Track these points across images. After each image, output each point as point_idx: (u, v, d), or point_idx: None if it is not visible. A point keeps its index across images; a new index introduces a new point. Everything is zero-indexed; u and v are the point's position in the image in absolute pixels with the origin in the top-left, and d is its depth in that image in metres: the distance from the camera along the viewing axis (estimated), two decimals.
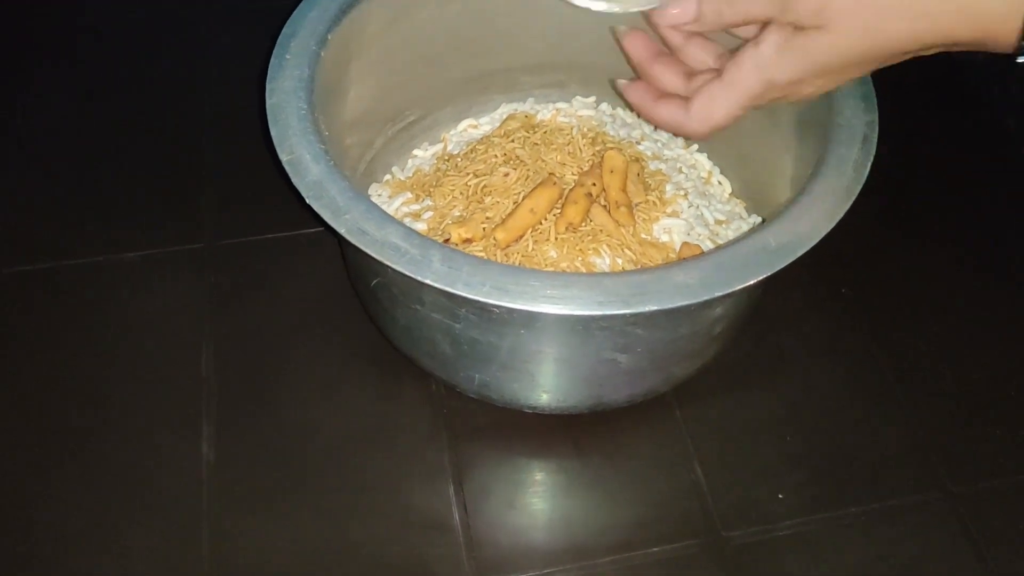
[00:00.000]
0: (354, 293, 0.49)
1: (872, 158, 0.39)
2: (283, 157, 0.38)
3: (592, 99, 0.54)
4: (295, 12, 0.44)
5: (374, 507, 0.43)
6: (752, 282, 0.34)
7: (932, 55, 0.34)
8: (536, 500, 0.44)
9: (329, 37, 0.43)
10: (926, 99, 0.62)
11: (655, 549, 0.42)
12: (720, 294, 0.34)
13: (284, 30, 0.43)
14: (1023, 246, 0.54)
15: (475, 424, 0.46)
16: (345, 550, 0.42)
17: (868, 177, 0.38)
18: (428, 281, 0.34)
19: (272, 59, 0.42)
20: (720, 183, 0.51)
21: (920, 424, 0.46)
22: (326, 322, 0.49)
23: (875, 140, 0.39)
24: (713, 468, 0.45)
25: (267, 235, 0.53)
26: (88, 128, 0.58)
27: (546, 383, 0.41)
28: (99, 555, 0.41)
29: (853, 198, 0.37)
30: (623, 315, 0.34)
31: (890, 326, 0.50)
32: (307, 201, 0.36)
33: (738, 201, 0.50)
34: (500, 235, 0.43)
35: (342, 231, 0.35)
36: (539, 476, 0.45)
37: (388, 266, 0.35)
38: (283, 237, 0.53)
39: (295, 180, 0.37)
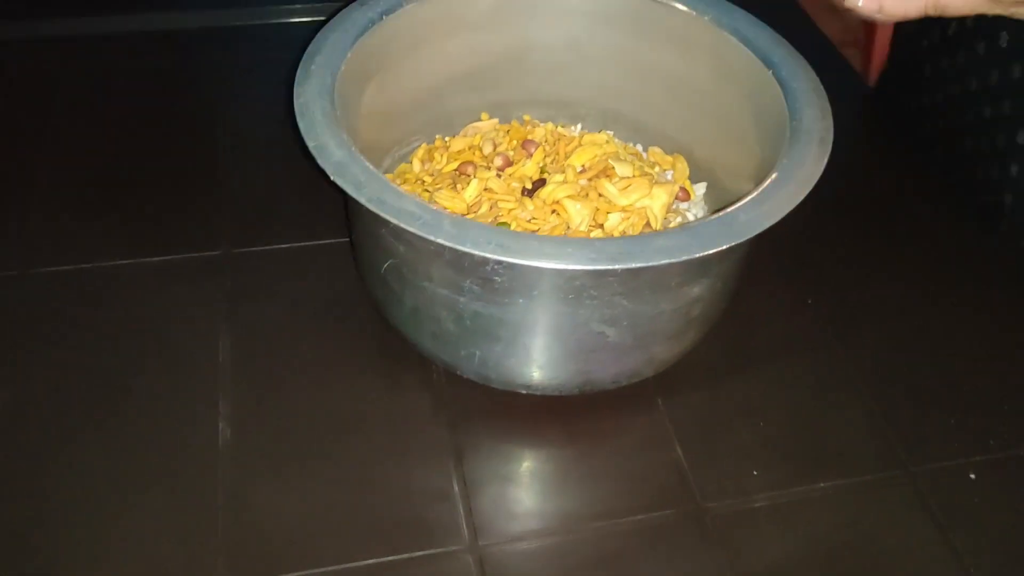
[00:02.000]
0: (361, 293, 0.53)
1: (828, 155, 0.44)
2: (310, 144, 0.43)
3: (579, 126, 0.59)
4: (318, 34, 0.50)
5: (378, 478, 0.46)
6: (723, 247, 0.39)
7: None
8: (529, 474, 0.48)
9: (348, 55, 0.49)
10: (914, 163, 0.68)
11: (639, 516, 0.46)
12: (697, 255, 0.39)
13: (309, 48, 0.49)
14: (964, 265, 0.60)
15: (473, 407, 0.49)
16: (350, 514, 0.45)
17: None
18: (440, 240, 0.38)
19: (299, 68, 0.47)
20: (693, 189, 0.56)
21: (880, 412, 0.51)
22: (334, 319, 0.53)
23: (830, 141, 0.45)
24: (692, 449, 0.48)
25: (279, 245, 0.58)
26: (119, 149, 0.63)
27: (539, 358, 0.45)
28: (122, 514, 0.44)
29: (811, 186, 0.43)
30: (612, 274, 0.39)
31: (850, 329, 0.55)
32: (332, 178, 0.41)
33: (704, 206, 0.56)
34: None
35: (363, 200, 0.40)
36: (532, 453, 0.48)
37: (403, 232, 0.39)
38: (294, 247, 0.58)
39: (321, 162, 0.42)
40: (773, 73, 0.49)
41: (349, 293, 0.54)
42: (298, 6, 0.78)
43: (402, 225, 0.39)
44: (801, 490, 0.47)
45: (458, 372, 0.49)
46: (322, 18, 0.51)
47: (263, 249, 0.57)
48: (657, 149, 0.58)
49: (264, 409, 0.49)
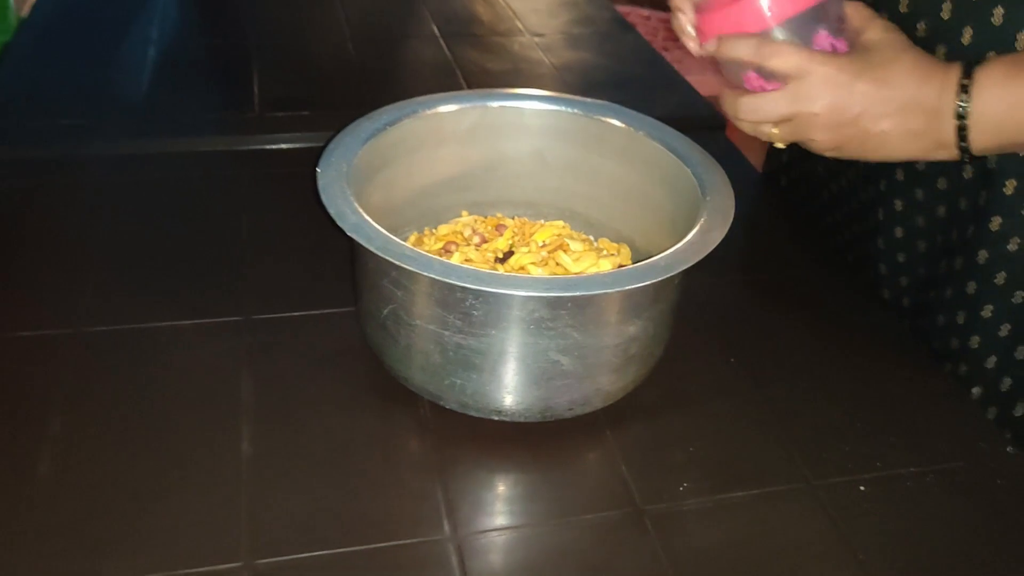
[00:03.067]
0: (359, 348, 0.64)
1: (729, 224, 0.57)
2: (331, 211, 0.55)
3: (541, 221, 0.73)
4: (335, 137, 0.63)
5: (373, 484, 0.56)
6: (648, 283, 0.52)
7: None
8: (500, 483, 0.58)
9: (359, 152, 0.62)
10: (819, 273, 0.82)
11: (590, 515, 0.56)
12: (627, 287, 0.51)
13: (328, 146, 0.62)
14: (853, 323, 0.72)
15: (454, 432, 0.60)
16: (349, 511, 0.54)
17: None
18: (431, 275, 0.50)
19: (320, 159, 0.60)
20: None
21: (789, 440, 0.61)
22: (336, 366, 0.64)
23: (731, 215, 0.58)
24: (634, 466, 0.59)
25: (290, 313, 0.69)
26: (158, 239, 0.76)
27: (509, 383, 0.56)
28: (167, 510, 0.53)
29: (716, 244, 0.55)
30: (563, 304, 0.51)
31: (764, 379, 0.66)
32: (348, 234, 0.54)
33: None
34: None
35: (374, 249, 0.52)
36: (503, 467, 0.59)
37: (402, 276, 0.51)
38: (302, 315, 0.69)
39: (340, 223, 0.54)
40: (691, 171, 0.63)
41: (349, 348, 0.66)
42: (298, 134, 0.92)
43: (404, 266, 0.51)
44: (722, 497, 0.57)
45: (441, 403, 0.60)
46: (317, 144, 0.64)
47: (277, 316, 0.69)
48: (605, 239, 0.72)
49: (278, 434, 0.59)
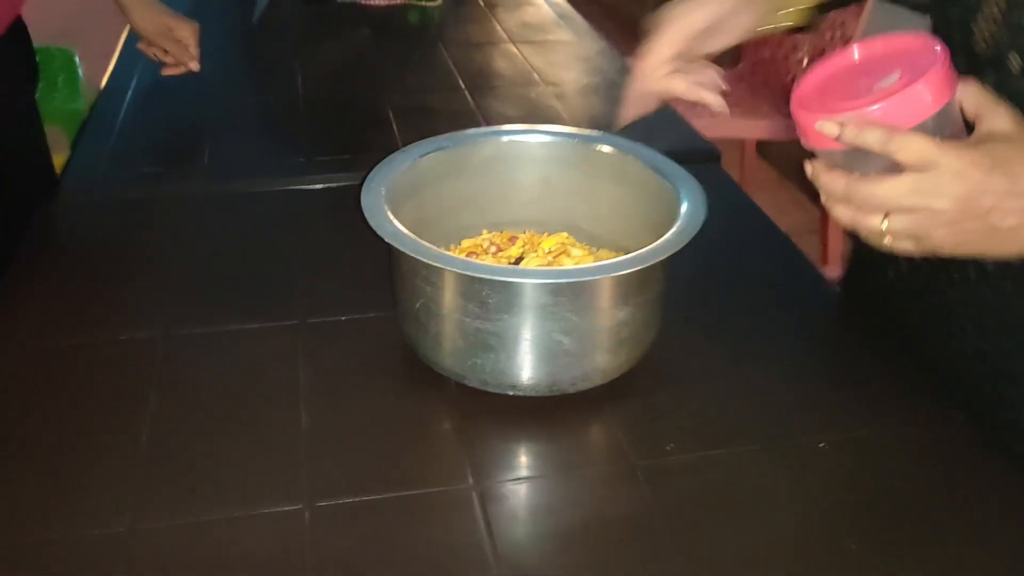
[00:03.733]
0: (396, 344, 0.76)
1: (700, 226, 0.69)
2: (373, 223, 0.68)
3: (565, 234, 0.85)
4: (375, 168, 0.76)
5: (410, 448, 0.68)
6: (631, 271, 0.63)
7: None
8: (515, 445, 0.69)
9: (395, 179, 0.75)
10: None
11: (590, 469, 0.67)
12: (615, 274, 0.63)
13: (368, 175, 0.75)
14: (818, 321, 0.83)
15: (477, 406, 0.71)
16: (390, 468, 0.66)
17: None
18: (454, 270, 0.63)
19: (363, 185, 0.73)
20: None
21: (762, 410, 0.72)
22: (378, 358, 0.77)
23: (702, 219, 0.70)
24: (629, 431, 0.70)
25: (338, 317, 0.82)
26: (226, 262, 0.89)
27: (520, 362, 0.68)
28: (236, 467, 0.65)
29: (687, 240, 0.67)
30: (562, 291, 0.63)
31: (744, 362, 0.77)
32: (386, 240, 0.66)
33: None
34: None
35: (408, 251, 0.65)
36: (517, 432, 0.70)
37: (431, 273, 0.63)
38: (348, 319, 0.82)
39: (379, 232, 0.67)
40: (671, 184, 0.75)
41: (388, 344, 0.78)
42: (339, 174, 1.05)
43: (433, 263, 0.63)
44: (701, 455, 0.68)
45: (465, 382, 0.71)
46: (355, 183, 0.76)
47: (326, 319, 0.81)
48: (604, 250, 0.83)
49: (330, 410, 0.71)
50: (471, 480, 0.65)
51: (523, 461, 0.68)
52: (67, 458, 0.66)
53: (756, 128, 2.12)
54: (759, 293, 0.87)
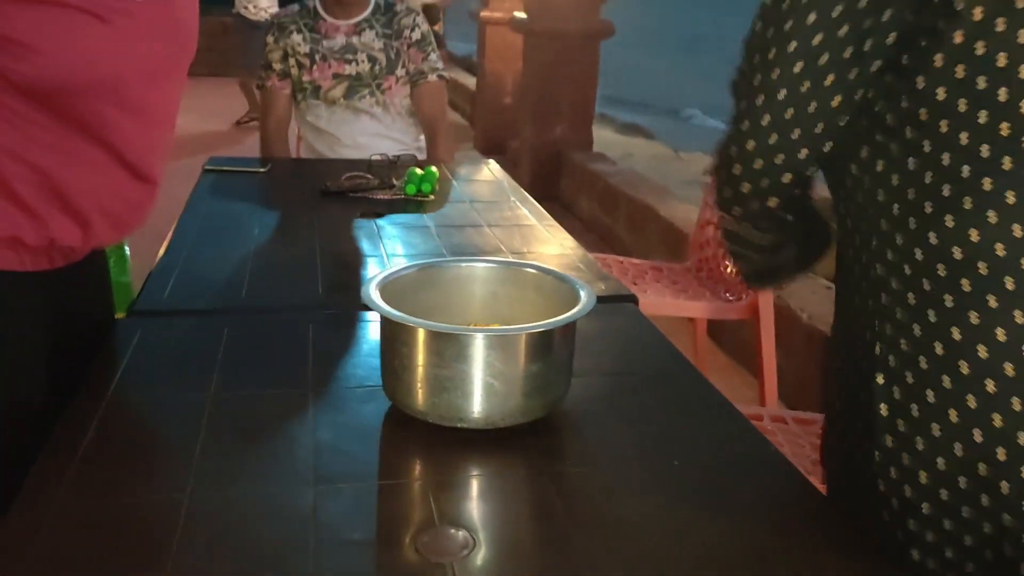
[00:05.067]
0: (380, 400, 1.08)
1: (587, 312, 1.03)
2: (371, 305, 1.02)
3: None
4: (373, 277, 1.11)
5: (386, 457, 0.98)
6: (534, 331, 0.96)
7: None
8: (461, 458, 0.99)
9: (385, 286, 1.10)
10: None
11: (513, 470, 0.96)
12: (524, 333, 0.96)
13: (367, 282, 1.09)
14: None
15: (434, 436, 1.02)
16: (369, 464, 0.96)
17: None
18: (421, 328, 0.96)
19: (363, 287, 1.07)
20: None
21: (639, 443, 1.03)
22: (366, 407, 1.08)
23: (591, 307, 1.04)
24: (544, 451, 1.00)
25: (342, 385, 1.13)
26: (260, 355, 1.22)
27: (469, 396, 0.99)
28: (274, 456, 0.95)
29: (579, 317, 1.00)
30: (491, 341, 0.96)
31: (632, 419, 1.08)
32: (381, 314, 1.00)
33: None
34: None
35: (394, 319, 0.98)
36: (463, 451, 1.00)
37: (406, 333, 0.97)
38: (344, 387, 1.13)
39: (375, 309, 1.01)
40: (573, 288, 1.09)
41: (374, 401, 1.09)
42: (348, 306, 1.40)
43: (407, 322, 0.97)
44: (598, 477, 0.98)
45: (426, 419, 1.02)
46: (359, 310, 1.12)
47: (330, 387, 1.13)
48: None
49: (335, 435, 1.01)
50: (424, 476, 0.95)
51: (465, 466, 0.98)
52: None
53: (700, 308, 2.49)
54: (655, 391, 1.20)
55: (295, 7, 2.54)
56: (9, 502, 0.86)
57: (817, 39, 0.77)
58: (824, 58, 0.78)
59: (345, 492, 0.91)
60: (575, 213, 4.88)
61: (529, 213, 2.00)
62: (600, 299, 1.13)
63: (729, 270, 2.60)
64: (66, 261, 1.15)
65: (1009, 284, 0.74)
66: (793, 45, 0.78)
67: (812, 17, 0.77)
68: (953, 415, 0.77)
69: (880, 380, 0.81)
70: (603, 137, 6.24)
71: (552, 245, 1.79)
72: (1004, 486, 0.75)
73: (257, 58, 2.74)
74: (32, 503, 0.87)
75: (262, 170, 2.28)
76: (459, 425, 1.01)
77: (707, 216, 2.72)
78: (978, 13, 0.73)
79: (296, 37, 2.48)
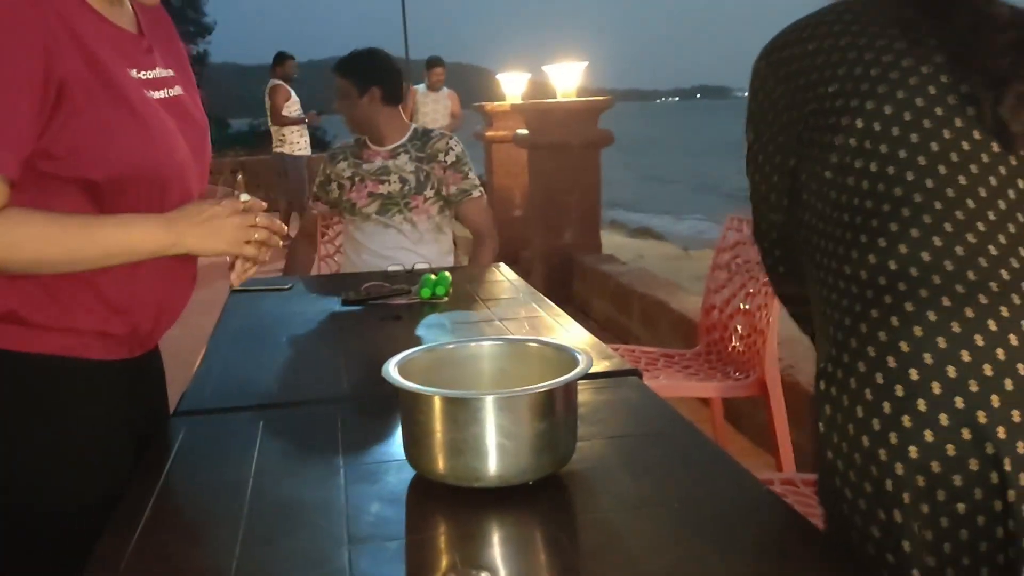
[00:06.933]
0: (402, 466, 1.18)
1: (583, 374, 1.14)
2: (390, 380, 1.14)
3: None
4: (392, 359, 1.23)
5: (412, 517, 1.08)
6: (540, 391, 1.08)
7: None
8: (477, 513, 1.09)
9: (404, 364, 1.22)
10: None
11: (526, 520, 1.06)
12: (528, 394, 1.08)
13: (389, 362, 1.22)
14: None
15: (455, 500, 1.12)
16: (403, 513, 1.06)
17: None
18: (436, 396, 1.08)
19: (384, 367, 1.20)
20: None
21: (654, 505, 1.12)
22: (397, 480, 1.18)
23: (586, 370, 1.15)
24: (553, 505, 1.10)
25: (372, 461, 1.24)
26: (300, 423, 1.34)
27: (483, 457, 1.10)
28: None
29: (577, 378, 1.12)
30: (498, 403, 1.07)
31: (638, 473, 1.18)
32: (398, 387, 1.12)
33: None
34: None
35: (411, 389, 1.10)
36: (480, 507, 1.10)
37: (423, 402, 1.09)
38: (377, 462, 1.24)
39: (395, 384, 1.13)
40: (572, 356, 1.21)
41: (399, 472, 1.20)
42: (369, 390, 1.52)
43: (423, 392, 1.09)
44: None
45: (446, 481, 1.13)
46: (381, 395, 1.25)
47: (359, 464, 1.24)
48: None
49: (365, 501, 1.12)
50: (446, 529, 1.06)
51: (482, 521, 1.08)
52: None
53: (710, 388, 2.59)
54: (657, 448, 1.30)
55: (351, 140, 2.96)
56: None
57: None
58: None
59: (376, 548, 1.02)
60: (590, 314, 5.02)
61: (538, 307, 2.14)
62: (604, 374, 1.25)
63: (737, 348, 2.71)
64: (143, 350, 1.33)
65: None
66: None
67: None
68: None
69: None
70: (615, 241, 6.44)
71: (561, 332, 1.91)
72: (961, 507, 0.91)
73: (296, 188, 3.30)
74: (100, 572, 0.98)
75: (286, 287, 2.44)
76: (476, 485, 1.12)
77: (711, 301, 2.85)
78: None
79: (342, 164, 2.90)
